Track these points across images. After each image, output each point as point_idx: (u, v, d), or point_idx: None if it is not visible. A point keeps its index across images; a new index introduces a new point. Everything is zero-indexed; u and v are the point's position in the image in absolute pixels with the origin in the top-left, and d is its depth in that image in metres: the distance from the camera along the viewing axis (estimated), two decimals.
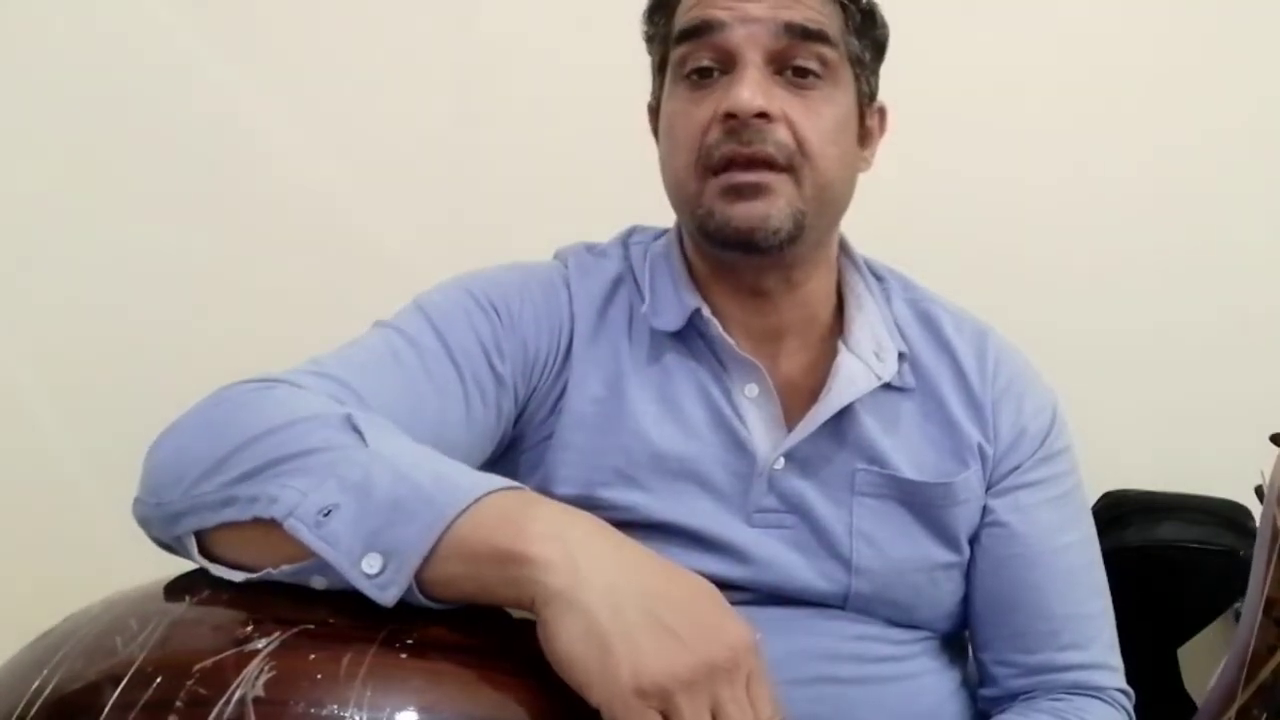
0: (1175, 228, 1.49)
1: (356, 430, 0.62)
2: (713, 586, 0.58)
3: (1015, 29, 1.48)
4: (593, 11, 1.38)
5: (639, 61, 0.90)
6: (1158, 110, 1.47)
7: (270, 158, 1.43)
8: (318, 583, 0.57)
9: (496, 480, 0.59)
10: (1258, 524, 0.70)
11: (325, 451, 0.60)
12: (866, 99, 0.86)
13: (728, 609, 0.57)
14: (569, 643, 0.53)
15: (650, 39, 0.88)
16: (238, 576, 0.59)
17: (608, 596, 0.54)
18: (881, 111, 0.90)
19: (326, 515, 0.56)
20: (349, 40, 1.45)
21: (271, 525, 0.57)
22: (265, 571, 0.58)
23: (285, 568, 0.57)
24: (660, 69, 0.87)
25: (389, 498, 0.57)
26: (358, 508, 0.56)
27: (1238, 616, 0.70)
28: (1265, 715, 0.65)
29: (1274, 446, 0.71)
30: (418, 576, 0.55)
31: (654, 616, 0.54)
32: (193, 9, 1.41)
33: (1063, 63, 1.47)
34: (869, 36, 0.85)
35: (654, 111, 0.89)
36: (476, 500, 0.56)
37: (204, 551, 0.62)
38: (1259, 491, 0.71)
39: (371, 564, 0.55)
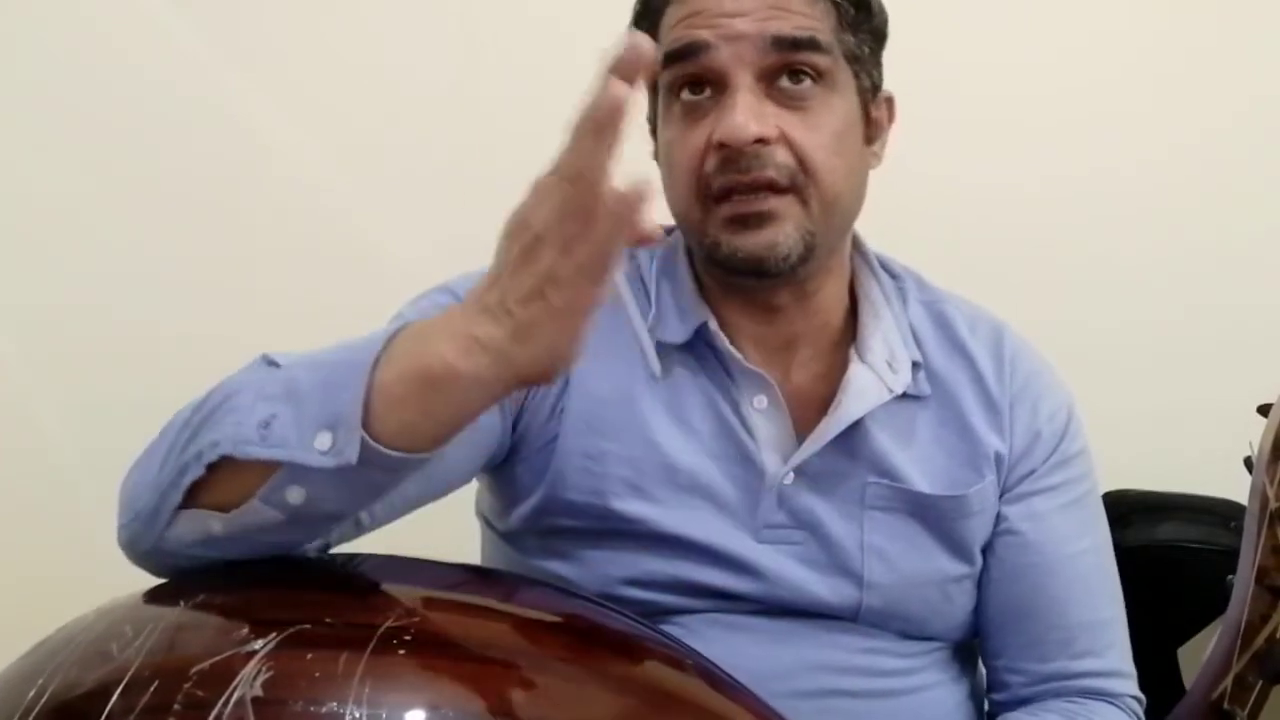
0: (1176, 227, 1.49)
1: (272, 363, 0.65)
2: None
3: (1019, 29, 1.48)
4: (597, 12, 1.38)
5: None
6: (1157, 110, 1.48)
7: (272, 161, 1.43)
8: (294, 494, 0.58)
9: (390, 329, 0.60)
10: (1248, 493, 0.70)
11: (246, 388, 0.62)
12: (870, 93, 0.82)
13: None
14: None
15: None
16: (231, 514, 0.60)
17: (507, 323, 0.59)
18: (889, 101, 0.85)
19: (267, 427, 0.58)
20: (350, 42, 1.45)
21: (229, 466, 0.59)
22: (248, 503, 0.59)
23: (260, 493, 0.59)
24: (651, 87, 0.83)
25: (313, 385, 0.58)
26: (292, 407, 0.58)
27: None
28: (1260, 682, 0.65)
29: (1260, 417, 0.71)
30: (375, 438, 0.56)
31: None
32: (193, 9, 1.42)
33: (1062, 60, 1.48)
34: (866, 29, 0.81)
35: (652, 126, 0.86)
36: (385, 347, 0.58)
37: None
38: (1248, 462, 0.71)
39: (323, 441, 0.57)
